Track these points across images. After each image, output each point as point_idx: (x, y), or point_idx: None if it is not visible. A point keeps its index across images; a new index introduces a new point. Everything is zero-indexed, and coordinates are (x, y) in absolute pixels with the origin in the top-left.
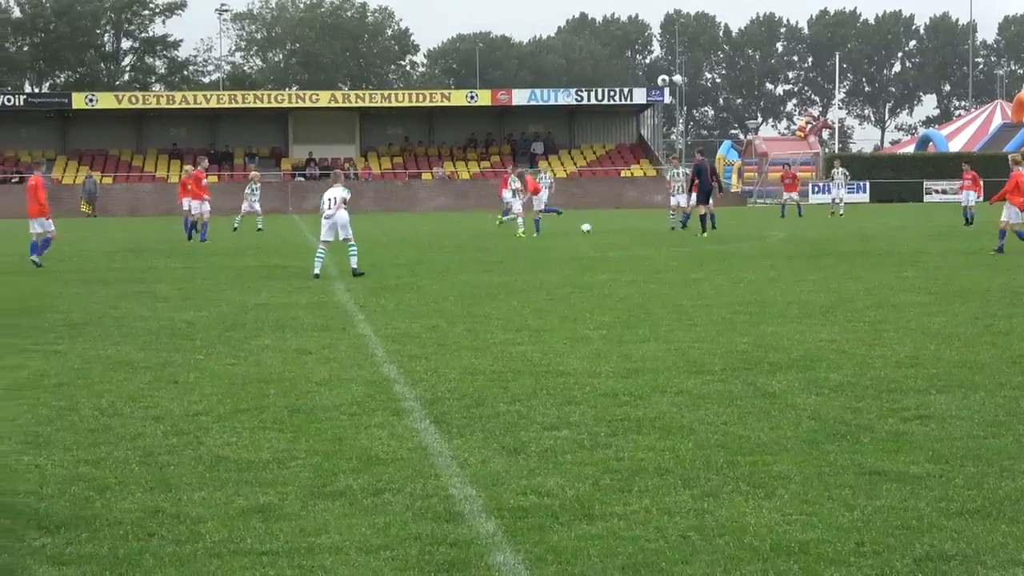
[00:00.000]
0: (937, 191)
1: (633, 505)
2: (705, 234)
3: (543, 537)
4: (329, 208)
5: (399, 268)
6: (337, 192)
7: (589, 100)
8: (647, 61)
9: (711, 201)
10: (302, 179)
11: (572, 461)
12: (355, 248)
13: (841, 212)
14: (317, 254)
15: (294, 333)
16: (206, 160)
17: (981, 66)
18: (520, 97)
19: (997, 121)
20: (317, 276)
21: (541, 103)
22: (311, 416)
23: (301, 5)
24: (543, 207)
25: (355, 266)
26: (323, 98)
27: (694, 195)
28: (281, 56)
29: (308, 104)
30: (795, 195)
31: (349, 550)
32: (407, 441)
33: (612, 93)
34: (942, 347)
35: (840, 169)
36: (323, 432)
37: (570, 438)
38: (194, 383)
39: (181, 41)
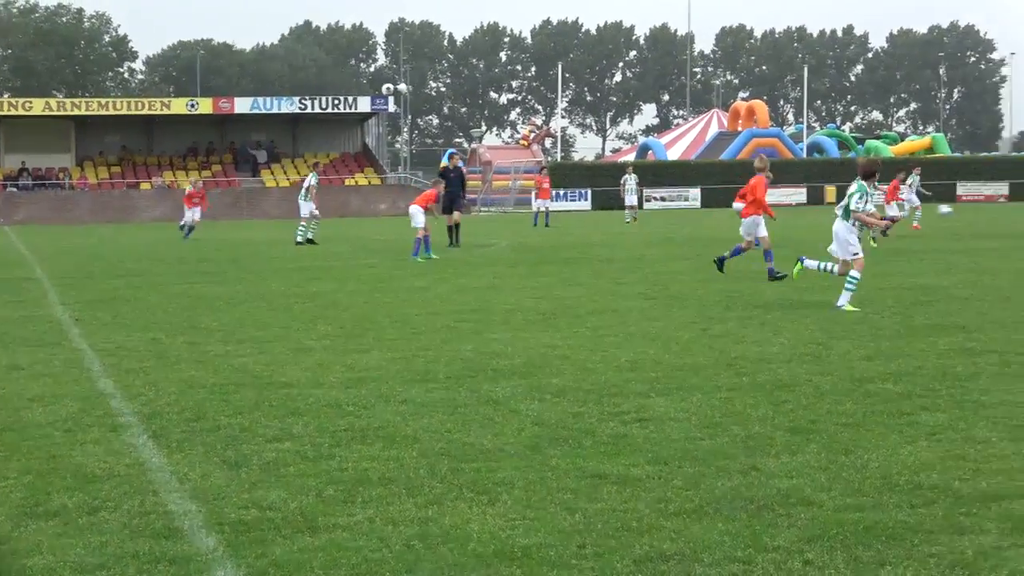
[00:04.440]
0: (656, 198)
1: (357, 516)
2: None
3: (265, 551)
4: None
5: (116, 280)
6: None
7: (313, 108)
8: (372, 69)
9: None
10: (14, 190)
11: (295, 473)
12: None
13: (636, 218)
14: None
15: (4, 348)
16: None
17: (699, 76)
18: (242, 105)
19: (714, 130)
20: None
21: (264, 111)
22: (23, 434)
23: (15, 10)
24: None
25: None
26: (36, 106)
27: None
28: None
29: (21, 112)
30: (548, 202)
31: (63, 571)
32: (124, 457)
33: (336, 101)
34: (661, 351)
35: (632, 176)
36: (36, 450)
37: (293, 450)
38: None
39: None
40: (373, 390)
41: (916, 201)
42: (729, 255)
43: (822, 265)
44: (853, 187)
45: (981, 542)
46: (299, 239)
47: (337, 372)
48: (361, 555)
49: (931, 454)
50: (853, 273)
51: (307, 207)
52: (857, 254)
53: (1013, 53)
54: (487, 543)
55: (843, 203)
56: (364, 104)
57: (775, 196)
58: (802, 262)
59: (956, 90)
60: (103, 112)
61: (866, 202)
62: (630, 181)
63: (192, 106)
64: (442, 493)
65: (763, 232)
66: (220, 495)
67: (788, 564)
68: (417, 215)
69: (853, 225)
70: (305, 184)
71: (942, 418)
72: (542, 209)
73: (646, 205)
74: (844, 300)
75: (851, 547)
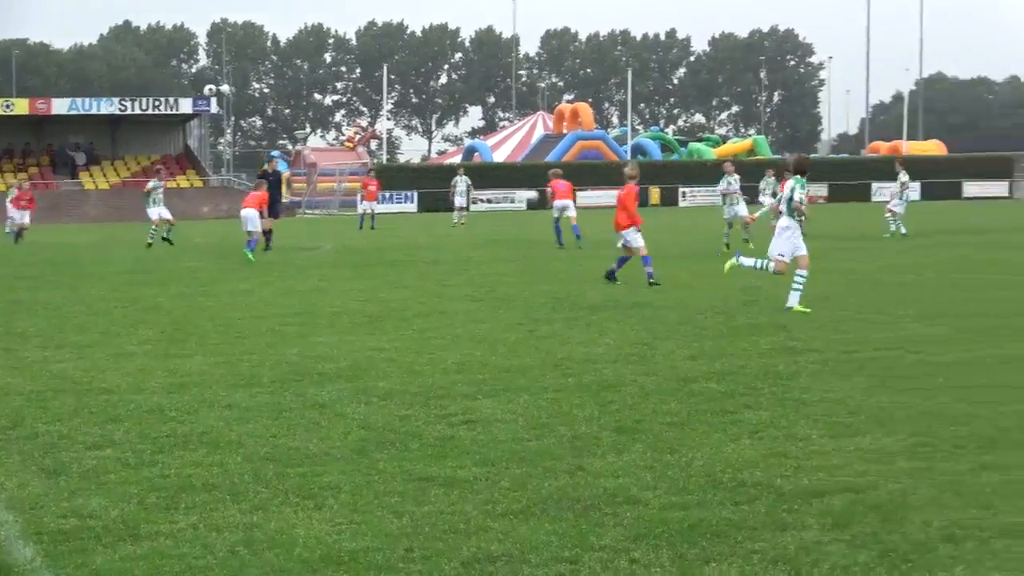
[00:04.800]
0: (483, 200)
1: (180, 523)
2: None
3: (86, 560)
4: None
5: None
6: None
7: (133, 110)
8: (193, 70)
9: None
10: None
11: (116, 480)
12: None
13: (463, 220)
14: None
15: None
16: None
17: (524, 79)
18: (60, 106)
19: (540, 132)
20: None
21: (83, 112)
22: None
23: None
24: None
25: None
26: None
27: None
28: None
29: None
30: (374, 204)
31: None
32: None
33: (157, 103)
34: (487, 353)
35: (463, 178)
36: None
37: (114, 457)
38: None
39: None
40: (196, 395)
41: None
42: (617, 267)
43: (759, 263)
44: (790, 182)
45: (803, 538)
46: (150, 240)
47: (159, 377)
48: (185, 562)
49: (754, 452)
50: (800, 272)
51: (155, 212)
52: (803, 253)
53: (831, 57)
54: (313, 548)
55: (781, 200)
56: (186, 105)
57: (603, 197)
58: (738, 258)
59: (776, 93)
60: None
61: (804, 196)
62: (460, 183)
63: (7, 107)
64: (267, 498)
65: (639, 243)
66: (38, 504)
67: (615, 563)
68: (253, 218)
69: (800, 221)
70: (146, 189)
71: (764, 416)
72: (368, 211)
73: (472, 207)
74: (794, 301)
75: (676, 545)
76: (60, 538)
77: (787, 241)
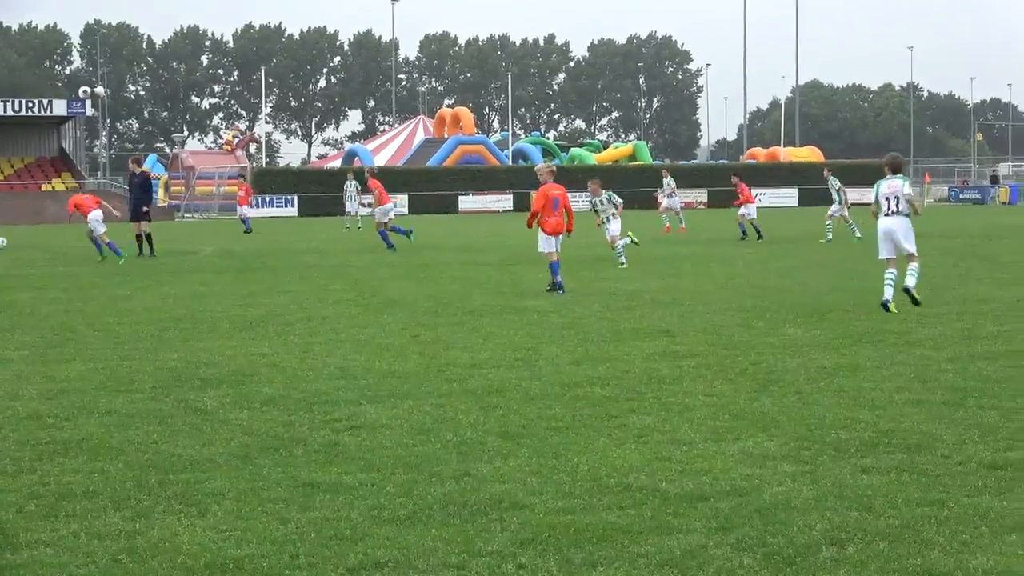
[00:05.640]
0: (364, 204)
1: (61, 531)
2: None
3: None
4: None
5: None
6: None
7: (6, 111)
8: (67, 72)
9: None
10: None
11: None
12: None
13: (360, 227)
14: None
15: None
16: None
17: (404, 82)
18: None
19: (420, 136)
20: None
21: None
22: None
23: None
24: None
25: None
26: None
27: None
28: None
29: None
30: (247, 208)
31: None
32: None
33: (31, 104)
34: (372, 358)
35: (353, 182)
36: None
37: None
38: None
39: None
40: (75, 401)
41: (678, 206)
42: (557, 277)
43: (912, 276)
44: (897, 181)
45: (688, 541)
46: None
47: (37, 383)
48: (66, 571)
49: (639, 456)
50: (916, 264)
51: None
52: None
53: (709, 64)
54: (197, 555)
55: (895, 200)
56: (60, 107)
57: (481, 203)
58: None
59: (656, 99)
60: None
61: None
62: (351, 188)
63: None
64: (150, 506)
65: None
66: None
67: (502, 568)
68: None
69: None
70: None
71: (649, 420)
72: (246, 214)
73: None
74: (912, 282)
75: (563, 549)
76: None
77: (908, 235)
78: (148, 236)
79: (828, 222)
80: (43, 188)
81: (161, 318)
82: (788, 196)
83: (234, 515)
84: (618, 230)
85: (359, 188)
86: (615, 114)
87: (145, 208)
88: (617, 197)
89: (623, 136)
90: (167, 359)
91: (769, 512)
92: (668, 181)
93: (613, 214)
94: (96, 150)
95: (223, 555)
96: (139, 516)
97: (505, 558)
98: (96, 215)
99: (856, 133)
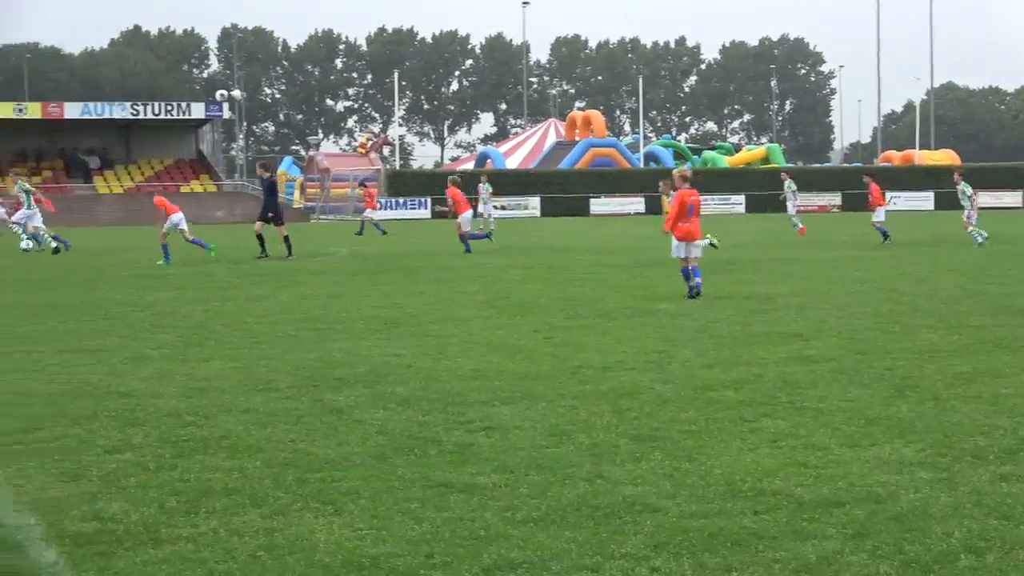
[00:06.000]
0: (497, 207)
1: (201, 527)
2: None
3: (108, 564)
4: None
5: None
6: None
7: (146, 114)
8: (205, 75)
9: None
10: None
11: (136, 484)
12: None
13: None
14: None
15: None
16: None
17: (535, 86)
18: (72, 110)
19: (552, 139)
20: None
21: (95, 117)
22: None
23: None
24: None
25: None
26: None
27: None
28: None
29: None
30: (374, 212)
31: None
32: None
33: (169, 107)
34: (505, 359)
35: (486, 184)
36: None
37: (133, 461)
38: None
39: None
40: (215, 399)
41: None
42: (691, 281)
43: None
44: None
45: (824, 547)
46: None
47: (178, 381)
48: (206, 567)
49: (773, 461)
50: None
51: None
52: None
53: (842, 66)
54: (334, 553)
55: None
56: (198, 110)
57: (612, 205)
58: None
59: (788, 102)
60: None
61: None
62: (484, 191)
63: (20, 111)
64: (287, 503)
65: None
66: (59, 507)
67: (636, 571)
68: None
69: None
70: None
71: (783, 425)
72: (368, 218)
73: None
74: None
75: (697, 553)
76: (82, 541)
77: None
78: (286, 238)
79: (969, 228)
80: (182, 190)
81: (297, 318)
82: (924, 200)
83: (369, 514)
84: None
85: (491, 190)
86: (747, 117)
87: (271, 213)
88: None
89: (755, 139)
90: (303, 359)
91: (906, 519)
92: (789, 184)
93: None
94: (233, 152)
95: (359, 553)
96: (277, 513)
97: (639, 561)
98: (177, 216)
99: (992, 136)
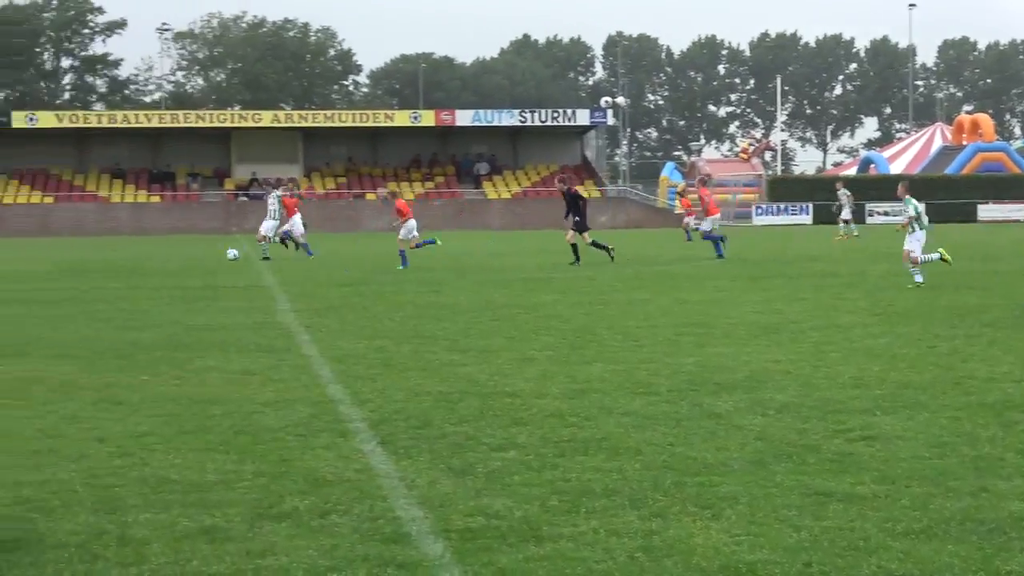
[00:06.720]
0: (879, 212)
1: (581, 526)
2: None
3: (491, 559)
4: None
5: (343, 288)
6: None
7: (533, 121)
8: (590, 83)
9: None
10: (245, 199)
11: (519, 482)
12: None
13: (855, 233)
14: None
15: (238, 353)
16: None
17: (921, 89)
18: (464, 118)
19: (938, 144)
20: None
21: (485, 124)
22: (256, 437)
23: (243, 24)
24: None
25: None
26: (266, 118)
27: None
28: (223, 76)
29: (251, 124)
30: (692, 220)
31: (296, 572)
32: (353, 462)
33: (556, 114)
34: (886, 368)
35: (844, 190)
36: (269, 453)
37: (517, 459)
38: (138, 404)
39: (122, 60)
40: (595, 401)
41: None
42: None
43: None
44: None
45: None
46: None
47: (560, 383)
48: (586, 566)
49: None
50: None
51: (269, 225)
52: None
53: None
54: (711, 558)
55: None
56: (583, 117)
57: (1001, 212)
58: None
59: None
60: (329, 124)
61: None
62: (844, 197)
63: (415, 118)
64: (666, 506)
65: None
66: (446, 502)
67: None
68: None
69: None
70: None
71: None
72: (693, 226)
73: (868, 220)
74: None
75: None
76: (467, 536)
77: None
78: (593, 243)
79: None
80: None
81: (677, 323)
82: None
83: (747, 520)
84: (912, 245)
85: (849, 196)
86: None
87: (577, 218)
88: (916, 207)
89: None
90: (683, 363)
91: None
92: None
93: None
94: (616, 159)
95: (736, 559)
96: (655, 516)
97: None
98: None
99: None
